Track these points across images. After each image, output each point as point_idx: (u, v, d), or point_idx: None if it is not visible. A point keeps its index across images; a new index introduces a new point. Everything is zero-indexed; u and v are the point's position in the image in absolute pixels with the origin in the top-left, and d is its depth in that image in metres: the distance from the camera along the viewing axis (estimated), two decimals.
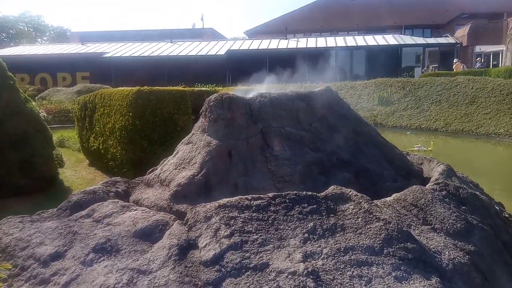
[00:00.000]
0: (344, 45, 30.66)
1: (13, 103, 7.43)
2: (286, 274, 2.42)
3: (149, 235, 2.91)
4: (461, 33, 30.31)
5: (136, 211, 3.23)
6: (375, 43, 30.29)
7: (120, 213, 3.23)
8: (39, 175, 7.34)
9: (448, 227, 3.08)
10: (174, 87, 8.95)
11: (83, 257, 2.78)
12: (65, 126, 15.13)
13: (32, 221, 3.45)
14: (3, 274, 2.70)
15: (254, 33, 40.16)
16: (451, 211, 3.23)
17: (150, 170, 4.65)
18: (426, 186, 3.56)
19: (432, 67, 27.40)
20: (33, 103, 8.75)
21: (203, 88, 11.90)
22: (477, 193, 3.87)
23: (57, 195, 6.68)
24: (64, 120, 16.60)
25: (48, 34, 60.27)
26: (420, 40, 31.13)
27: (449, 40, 30.95)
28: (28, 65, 29.70)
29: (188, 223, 2.95)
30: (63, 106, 18.08)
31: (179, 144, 4.48)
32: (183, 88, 8.92)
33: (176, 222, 3.02)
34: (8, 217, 3.51)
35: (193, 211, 3.02)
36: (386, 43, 30.15)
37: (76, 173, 9.10)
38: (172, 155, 4.40)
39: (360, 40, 31.31)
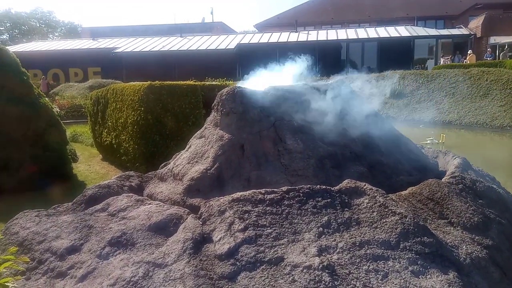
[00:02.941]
0: (356, 37, 30.29)
1: (27, 99, 7.52)
2: (301, 268, 2.41)
3: (164, 228, 2.93)
4: (475, 24, 29.70)
5: (150, 205, 3.25)
6: (387, 35, 29.86)
7: (134, 207, 3.25)
8: (54, 170, 7.44)
9: (465, 221, 3.03)
10: (185, 82, 8.96)
11: (99, 250, 2.80)
12: (78, 121, 15.30)
13: (48, 215, 3.49)
14: (22, 267, 2.74)
15: (264, 27, 39.93)
16: (468, 204, 3.18)
17: (162, 164, 4.67)
18: (442, 180, 3.51)
19: (445, 59, 26.95)
20: (46, 98, 8.85)
21: (213, 82, 11.90)
22: (494, 186, 3.80)
23: (71, 190, 6.77)
24: (77, 115, 16.78)
25: (60, 30, 60.84)
26: (433, 32, 30.59)
27: (463, 31, 30.36)
28: (41, 61, 30.01)
29: (202, 217, 2.95)
30: (75, 102, 18.28)
31: (192, 138, 4.48)
32: (194, 83, 8.92)
33: (190, 216, 3.02)
34: (25, 211, 3.56)
35: (207, 205, 3.02)
36: (398, 35, 29.71)
37: (90, 167, 9.20)
38: (185, 149, 4.41)
39: (372, 32, 30.90)
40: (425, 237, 2.67)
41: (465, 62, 23.78)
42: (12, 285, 2.02)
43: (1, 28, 56.12)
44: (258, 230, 2.71)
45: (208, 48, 29.81)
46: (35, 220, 3.35)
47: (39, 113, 7.61)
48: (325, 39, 30.27)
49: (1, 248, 3.08)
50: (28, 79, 7.86)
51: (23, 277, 2.74)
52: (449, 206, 3.14)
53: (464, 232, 2.96)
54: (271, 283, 2.35)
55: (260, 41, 30.93)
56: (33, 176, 7.05)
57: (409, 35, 29.75)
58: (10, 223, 3.41)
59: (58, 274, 2.78)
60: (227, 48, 29.44)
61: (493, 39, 28.15)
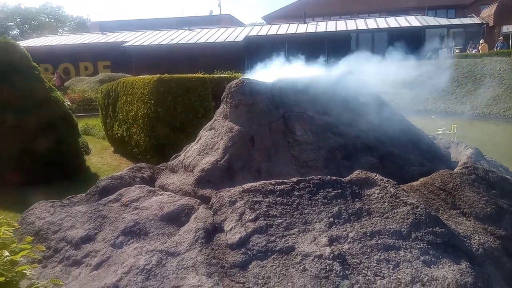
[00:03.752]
0: (365, 28, 29.90)
1: (39, 93, 7.62)
2: (312, 258, 2.43)
3: (176, 218, 2.96)
4: (487, 12, 29.09)
5: (162, 196, 3.29)
6: (397, 25, 29.45)
7: (147, 197, 3.29)
8: (67, 162, 7.55)
9: (478, 212, 3.02)
10: (194, 74, 8.98)
11: (113, 239, 2.85)
12: (89, 115, 15.44)
13: (63, 205, 3.55)
14: (38, 256, 2.80)
15: (272, 18, 39.65)
16: (480, 195, 3.16)
17: (173, 156, 4.71)
18: (455, 170, 3.49)
19: (457, 48, 26.50)
20: (58, 92, 8.95)
21: (222, 75, 11.90)
22: (507, 177, 3.77)
23: (84, 181, 6.87)
24: (88, 108, 16.93)
25: (69, 25, 61.22)
26: (444, 21, 30.03)
27: (475, 20, 29.78)
28: (51, 55, 30.24)
29: (213, 207, 2.98)
30: (86, 95, 18.43)
31: (202, 130, 4.50)
32: (203, 75, 8.94)
33: (202, 206, 3.05)
34: (40, 202, 3.63)
35: (218, 196, 3.05)
36: (408, 25, 29.26)
37: (102, 159, 9.32)
38: (195, 141, 4.44)
39: (382, 22, 30.46)
40: (437, 227, 2.66)
41: (477, 51, 23.37)
42: (29, 272, 2.07)
43: (11, 24, 56.66)
44: (269, 220, 2.73)
45: (216, 41, 29.73)
46: (50, 210, 3.41)
47: (51, 106, 7.70)
48: (334, 30, 29.95)
49: (18, 238, 3.14)
50: (39, 73, 7.96)
51: (39, 265, 2.80)
52: (462, 196, 3.12)
53: (477, 223, 2.95)
54: (282, 272, 2.37)
55: (268, 33, 30.74)
56: (46, 168, 7.16)
57: (420, 25, 29.28)
58: (26, 213, 3.48)
59: (74, 263, 2.84)
60: (235, 40, 29.32)
61: (506, 28, 27.58)
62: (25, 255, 2.15)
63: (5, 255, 2.06)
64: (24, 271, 1.99)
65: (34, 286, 2.04)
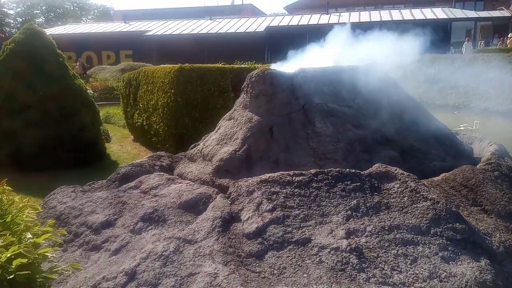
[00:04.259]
0: (390, 19, 29.27)
1: (63, 80, 7.78)
2: (328, 250, 2.42)
3: (193, 207, 3.00)
4: None
5: (181, 184, 3.33)
6: (422, 17, 28.70)
7: (166, 185, 3.33)
8: (88, 149, 7.71)
9: (500, 209, 2.94)
10: (214, 65, 8.99)
11: (132, 225, 2.91)
12: (110, 103, 15.69)
13: (84, 191, 3.64)
14: (59, 239, 2.88)
15: (294, 9, 39.21)
16: (503, 192, 3.08)
17: (192, 145, 4.75)
18: (477, 166, 3.40)
19: (483, 42, 25.66)
20: (81, 80, 9.11)
21: (242, 66, 11.87)
22: None
23: (105, 168, 7.01)
24: (109, 97, 17.19)
25: (92, 13, 62.03)
26: (472, 14, 29.09)
27: (504, 13, 28.73)
28: (75, 43, 30.81)
29: (231, 197, 3.00)
30: (108, 84, 18.71)
31: (221, 120, 4.52)
32: (223, 66, 8.94)
33: (219, 195, 3.08)
34: (61, 187, 3.72)
35: (236, 185, 3.06)
36: (434, 17, 28.47)
37: (122, 147, 9.48)
38: (214, 131, 4.46)
39: (407, 14, 29.74)
40: (457, 224, 2.61)
41: (505, 45, 22.58)
42: (51, 255, 2.13)
43: (37, 11, 57.81)
44: (286, 211, 2.73)
45: (237, 31, 29.65)
46: (72, 195, 3.50)
47: (74, 94, 7.86)
48: (358, 21, 29.42)
49: (40, 221, 3.24)
50: (63, 60, 8.11)
51: (60, 248, 2.89)
52: (483, 193, 3.05)
53: (498, 220, 2.88)
54: (298, 263, 2.37)
55: (290, 24, 30.45)
56: (68, 154, 7.33)
57: (446, 17, 28.45)
58: (48, 197, 3.58)
59: (93, 247, 2.91)
60: (256, 31, 29.18)
61: None
62: (47, 238, 2.21)
63: (28, 237, 2.12)
64: (46, 253, 2.05)
65: (55, 269, 2.10)
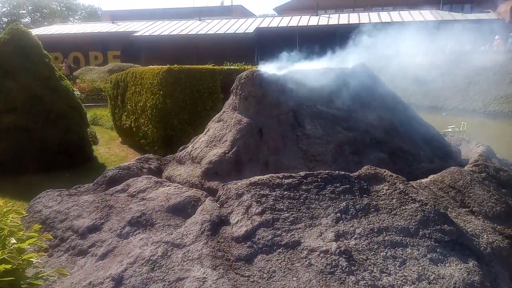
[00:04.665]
0: (379, 21, 29.52)
1: (49, 81, 7.65)
2: (318, 253, 2.41)
3: (182, 210, 2.96)
4: (504, 8, 28.52)
5: (169, 187, 3.29)
6: (411, 19, 29.02)
7: (153, 188, 3.29)
8: (75, 151, 7.59)
9: (487, 210, 2.97)
10: (204, 66, 8.94)
11: (119, 230, 2.86)
12: (98, 105, 15.51)
13: (70, 194, 3.57)
14: (45, 244, 2.82)
15: (283, 10, 39.29)
16: (490, 193, 3.11)
17: (181, 147, 4.71)
18: (465, 168, 3.43)
19: (471, 44, 26.02)
20: (68, 81, 8.98)
21: (232, 67, 11.85)
22: None
23: (92, 171, 6.91)
24: (97, 98, 17.00)
25: (80, 13, 61.35)
26: (459, 16, 29.55)
27: (491, 16, 29.23)
28: (62, 44, 30.40)
29: (220, 200, 2.97)
30: (95, 85, 18.49)
31: (210, 122, 4.49)
32: (212, 67, 8.90)
33: (208, 198, 3.05)
34: (47, 190, 3.65)
35: (225, 188, 3.04)
36: (423, 19, 28.83)
37: (110, 150, 9.36)
38: (203, 133, 4.42)
39: (395, 16, 30.07)
40: (445, 225, 2.62)
41: (492, 48, 22.93)
42: (36, 260, 2.08)
43: (23, 11, 56.97)
44: (275, 214, 2.71)
45: (226, 32, 29.61)
46: (57, 199, 3.44)
47: (60, 95, 7.74)
48: (347, 23, 29.61)
49: (25, 226, 3.17)
50: (49, 61, 7.98)
51: (46, 254, 2.82)
52: (471, 194, 3.07)
53: (486, 221, 2.90)
54: (287, 266, 2.36)
55: (279, 25, 30.52)
56: (54, 157, 7.21)
57: (434, 19, 28.82)
58: (33, 201, 3.51)
59: (80, 252, 2.85)
60: (245, 32, 29.17)
61: None
62: (32, 243, 2.16)
63: (12, 242, 2.07)
64: (30, 259, 2.00)
65: (40, 275, 2.05)
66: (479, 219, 2.94)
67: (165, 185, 3.38)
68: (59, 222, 3.15)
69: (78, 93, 15.27)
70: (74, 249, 2.91)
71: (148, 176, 3.65)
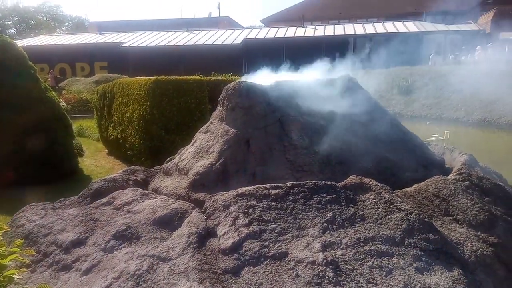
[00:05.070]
0: (363, 32, 30.04)
1: (35, 93, 7.57)
2: (305, 264, 2.41)
3: (168, 223, 2.94)
4: (485, 19, 29.31)
5: (156, 199, 3.26)
6: (395, 30, 29.61)
7: (139, 201, 3.26)
8: (60, 164, 7.49)
9: (471, 218, 3.01)
10: (191, 77, 8.96)
11: (104, 244, 2.82)
12: (84, 116, 15.36)
13: (54, 208, 3.52)
14: (27, 260, 2.76)
15: (270, 21, 39.71)
16: (474, 202, 3.16)
17: (168, 159, 4.68)
18: (449, 176, 3.48)
19: (454, 54, 26.65)
20: (53, 92, 8.89)
21: (219, 78, 11.88)
22: (501, 184, 3.77)
23: (77, 183, 6.81)
24: (83, 110, 16.83)
25: (67, 24, 61.03)
26: (442, 27, 30.25)
27: (472, 27, 29.99)
28: (48, 55, 30.15)
29: (207, 212, 2.96)
30: (81, 96, 18.33)
31: (197, 133, 4.49)
32: (200, 78, 8.91)
33: (195, 210, 3.03)
34: (31, 204, 3.59)
35: (212, 200, 3.03)
36: (406, 30, 29.43)
37: (96, 162, 9.26)
38: (190, 144, 4.41)
39: (380, 28, 30.64)
40: (430, 234, 2.65)
41: (474, 58, 23.49)
42: (17, 277, 2.04)
43: (9, 22, 56.43)
44: (263, 225, 2.71)
45: (214, 43, 29.75)
46: (41, 213, 3.38)
47: (46, 107, 7.65)
48: (333, 34, 30.07)
49: (8, 241, 3.10)
50: (35, 73, 7.90)
51: (28, 269, 2.77)
52: (455, 203, 3.12)
53: (470, 229, 2.94)
54: (274, 278, 2.35)
55: (266, 36, 30.80)
56: (39, 169, 7.10)
57: (418, 30, 29.46)
58: (16, 216, 3.44)
59: (63, 267, 2.80)
60: (233, 43, 29.35)
61: (502, 35, 27.76)
62: (14, 259, 2.11)
63: None
64: (12, 275, 1.96)
65: None
66: (463, 227, 2.98)
67: (151, 197, 3.35)
68: (43, 236, 3.09)
69: (64, 104, 15.12)
70: (57, 264, 2.85)
71: (134, 188, 3.62)
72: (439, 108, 17.23)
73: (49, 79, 22.67)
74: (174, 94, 7.77)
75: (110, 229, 2.93)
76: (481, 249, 2.75)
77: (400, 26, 30.52)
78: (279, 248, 2.55)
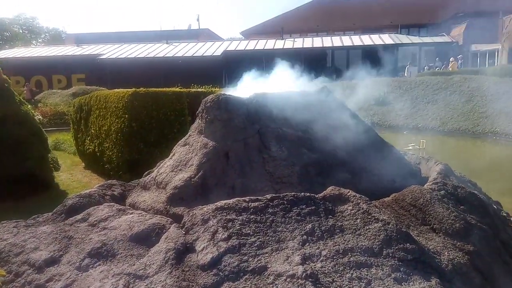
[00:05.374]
0: (341, 45, 30.67)
1: (8, 106, 7.37)
2: (284, 277, 2.39)
3: (146, 239, 2.88)
4: (457, 31, 30.40)
5: (132, 215, 3.20)
6: (371, 43, 30.33)
7: (116, 216, 3.19)
8: (34, 179, 7.27)
9: (447, 227, 3.06)
10: (170, 89, 8.91)
11: (79, 262, 2.73)
12: (61, 129, 15.04)
13: (27, 225, 3.40)
14: None
15: (250, 34, 40.09)
16: (449, 211, 3.22)
17: (146, 172, 4.61)
18: (425, 186, 3.54)
19: (428, 66, 27.45)
20: (28, 106, 8.68)
21: (199, 89, 11.86)
22: (475, 192, 3.86)
23: (52, 199, 6.62)
24: (60, 123, 16.49)
25: (43, 36, 59.96)
26: (416, 40, 31.20)
27: (445, 39, 31.03)
28: (23, 67, 29.59)
29: (185, 226, 2.91)
30: (58, 109, 17.97)
31: (176, 146, 4.44)
32: (179, 89, 8.87)
33: (173, 225, 2.98)
34: (2, 222, 3.46)
35: (190, 214, 2.98)
36: (382, 43, 30.20)
37: (72, 176, 9.04)
38: (169, 157, 4.36)
39: (357, 40, 31.34)
40: (408, 244, 2.68)
41: (448, 69, 24.27)
42: None
43: None
44: (242, 239, 2.68)
45: (194, 55, 29.78)
46: (13, 231, 3.26)
47: (20, 121, 7.46)
48: (311, 46, 30.57)
49: None
50: (9, 86, 7.71)
51: None
52: (431, 212, 3.17)
53: (446, 238, 2.99)
54: None
55: (246, 48, 31.06)
56: (12, 185, 6.87)
57: (393, 42, 30.26)
58: None
59: (36, 287, 2.70)
60: (213, 55, 29.46)
61: (474, 47, 28.81)
62: None
63: None
64: None
65: None
66: (440, 236, 3.03)
67: (128, 212, 3.28)
68: (15, 255, 2.97)
69: (40, 117, 14.77)
70: (30, 284, 2.74)
71: (111, 203, 3.54)
72: (415, 118, 17.64)
73: (25, 91, 22.16)
74: (153, 107, 7.71)
75: (85, 247, 2.84)
76: (457, 257, 2.79)
77: (376, 39, 31.29)
78: (259, 262, 2.52)
